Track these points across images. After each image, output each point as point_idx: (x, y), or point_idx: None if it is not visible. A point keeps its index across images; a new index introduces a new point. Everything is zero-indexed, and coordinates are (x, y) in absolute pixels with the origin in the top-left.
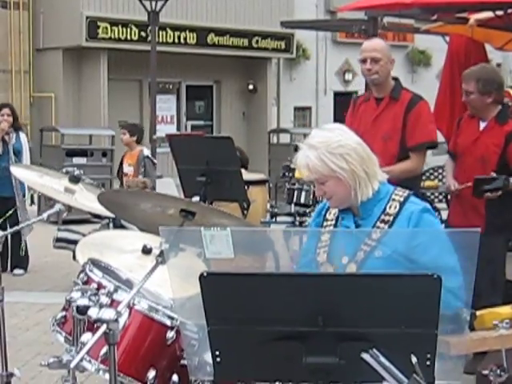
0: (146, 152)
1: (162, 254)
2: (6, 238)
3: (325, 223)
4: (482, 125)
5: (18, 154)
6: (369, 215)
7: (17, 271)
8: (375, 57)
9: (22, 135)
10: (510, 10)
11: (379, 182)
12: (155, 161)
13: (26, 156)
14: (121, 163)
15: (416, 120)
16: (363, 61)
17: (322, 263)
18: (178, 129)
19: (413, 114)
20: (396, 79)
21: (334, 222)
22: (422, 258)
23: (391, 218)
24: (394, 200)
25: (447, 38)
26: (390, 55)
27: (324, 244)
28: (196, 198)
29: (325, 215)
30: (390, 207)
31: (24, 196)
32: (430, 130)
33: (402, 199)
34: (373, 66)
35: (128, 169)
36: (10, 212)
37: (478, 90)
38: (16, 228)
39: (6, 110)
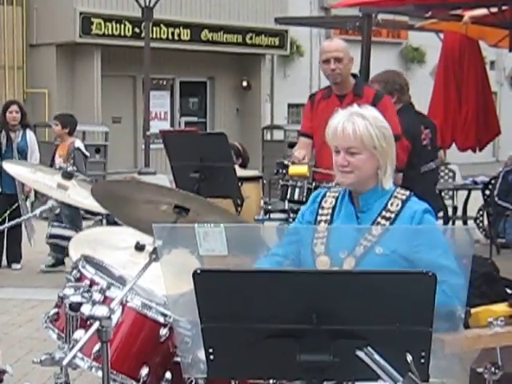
0: (78, 144)
1: (155, 250)
2: (2, 233)
3: (320, 211)
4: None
5: (22, 152)
6: (369, 209)
7: (14, 266)
8: (338, 56)
9: (30, 133)
10: (504, 7)
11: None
12: (87, 153)
13: (35, 155)
14: (53, 155)
15: (383, 114)
16: (326, 61)
17: (318, 254)
18: (172, 125)
19: (379, 108)
20: (356, 76)
21: (330, 211)
22: (423, 258)
23: (393, 215)
24: (395, 197)
25: (441, 35)
26: (351, 54)
27: (322, 235)
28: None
29: (320, 202)
30: (392, 204)
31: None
32: (396, 124)
33: (404, 197)
34: (337, 65)
35: (58, 160)
36: (14, 207)
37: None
38: (11, 223)
39: (15, 107)
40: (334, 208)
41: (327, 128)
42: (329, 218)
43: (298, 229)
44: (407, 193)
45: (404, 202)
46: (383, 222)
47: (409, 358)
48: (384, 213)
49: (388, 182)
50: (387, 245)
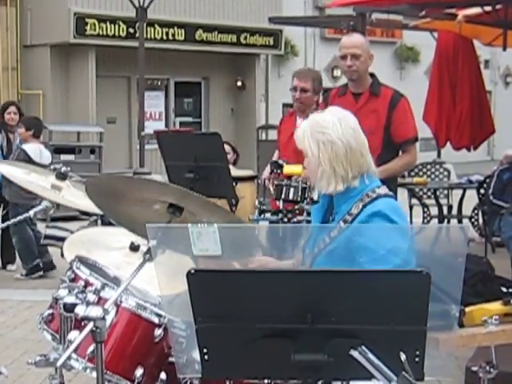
0: (27, 147)
1: (149, 251)
2: None
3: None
4: (299, 121)
5: None
6: (338, 211)
7: (9, 267)
8: (355, 53)
9: None
10: (498, 6)
11: (351, 185)
12: (33, 158)
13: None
14: None
15: (402, 117)
16: (343, 57)
17: (298, 251)
18: (167, 125)
19: (397, 110)
20: (372, 75)
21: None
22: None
23: (350, 218)
24: (361, 200)
25: (435, 35)
26: (369, 51)
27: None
28: None
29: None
30: (355, 207)
31: None
32: (414, 126)
33: (367, 200)
34: (353, 62)
35: None
36: (7, 209)
37: (314, 89)
38: (7, 223)
39: (13, 108)
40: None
41: None
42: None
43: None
44: (374, 195)
45: (365, 205)
46: (342, 224)
47: (403, 357)
48: (346, 216)
49: (330, 186)
50: (334, 246)
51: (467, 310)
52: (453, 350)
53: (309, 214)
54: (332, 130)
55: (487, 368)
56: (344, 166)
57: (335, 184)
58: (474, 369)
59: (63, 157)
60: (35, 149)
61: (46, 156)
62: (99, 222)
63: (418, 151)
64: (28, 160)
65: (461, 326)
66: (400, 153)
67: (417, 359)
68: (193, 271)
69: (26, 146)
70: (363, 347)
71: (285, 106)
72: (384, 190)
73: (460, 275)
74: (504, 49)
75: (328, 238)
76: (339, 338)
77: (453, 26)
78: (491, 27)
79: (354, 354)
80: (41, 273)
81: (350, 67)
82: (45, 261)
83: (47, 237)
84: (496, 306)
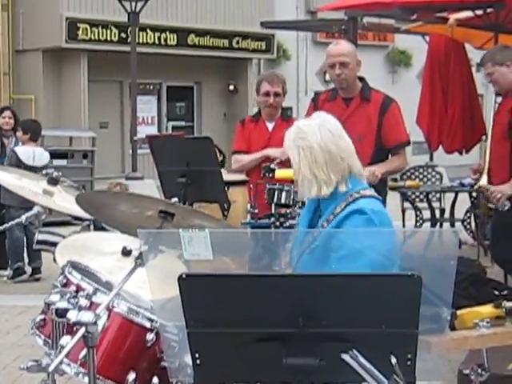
0: (19, 150)
1: (140, 256)
2: None
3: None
4: (270, 125)
5: None
6: (324, 213)
7: (1, 272)
8: (343, 61)
9: None
10: (489, 10)
11: (338, 189)
12: (24, 160)
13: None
14: None
15: (393, 121)
16: (331, 66)
17: (286, 254)
18: (159, 130)
19: (388, 115)
20: (362, 79)
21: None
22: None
23: (332, 217)
24: (345, 200)
25: (427, 38)
26: (357, 57)
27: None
28: (174, 199)
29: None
30: (338, 207)
31: None
32: (405, 130)
33: (350, 199)
34: (342, 70)
35: None
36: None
37: (284, 93)
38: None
39: (8, 113)
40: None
41: None
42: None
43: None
44: (358, 195)
45: (347, 205)
46: (325, 224)
47: (393, 360)
48: (330, 216)
49: (312, 191)
50: (315, 246)
51: (459, 312)
52: (444, 352)
53: None
54: (311, 135)
55: (479, 371)
56: (325, 171)
57: (317, 189)
58: (466, 372)
59: (55, 162)
60: (27, 151)
61: (40, 158)
62: (91, 226)
63: (410, 155)
64: (19, 162)
65: (452, 328)
66: (390, 156)
67: (408, 362)
68: (184, 276)
69: (17, 149)
70: (354, 351)
71: None
72: (370, 192)
73: (451, 278)
74: None
75: (311, 237)
76: (330, 341)
77: (444, 29)
78: (482, 31)
79: (345, 357)
80: (24, 277)
81: (339, 76)
82: (34, 266)
83: (39, 242)
84: (487, 309)
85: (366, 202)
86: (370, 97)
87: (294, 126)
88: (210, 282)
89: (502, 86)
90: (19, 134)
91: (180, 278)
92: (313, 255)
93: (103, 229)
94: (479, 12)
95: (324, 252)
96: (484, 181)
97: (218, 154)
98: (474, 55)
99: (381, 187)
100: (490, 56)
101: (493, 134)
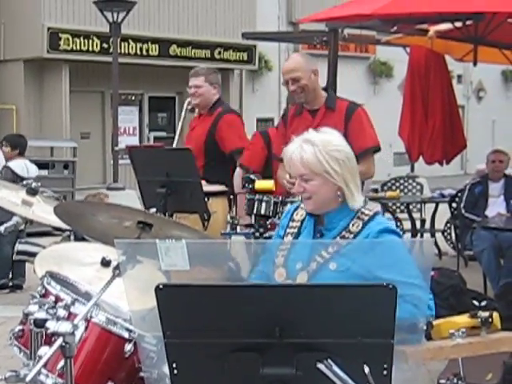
0: (13, 164)
1: (118, 266)
2: None
3: (291, 223)
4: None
5: None
6: (333, 227)
7: None
8: (294, 77)
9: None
10: (468, 22)
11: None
12: (19, 173)
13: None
14: None
15: (358, 127)
16: (286, 83)
17: (277, 266)
18: (141, 140)
19: (353, 121)
20: (326, 89)
21: (299, 224)
22: (382, 278)
23: (351, 236)
24: (359, 218)
25: (408, 50)
26: (312, 67)
27: (284, 247)
28: (153, 210)
29: (292, 215)
30: (353, 225)
31: None
32: (372, 135)
33: (366, 218)
34: (296, 86)
35: None
36: None
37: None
38: None
39: None
40: (303, 221)
41: (283, 156)
42: (296, 230)
43: (267, 244)
44: (371, 213)
45: (365, 223)
46: (341, 241)
47: (366, 369)
48: (344, 233)
49: (354, 201)
50: (341, 262)
51: (435, 322)
52: (421, 362)
53: None
54: (343, 145)
55: (455, 380)
56: (357, 178)
57: (355, 196)
58: (443, 381)
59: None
60: (20, 165)
61: (32, 170)
62: (72, 237)
63: (391, 166)
64: (16, 177)
65: (429, 338)
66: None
67: (385, 372)
68: (161, 286)
69: (11, 164)
70: (329, 360)
71: (259, 120)
72: (369, 206)
73: (427, 288)
74: (474, 64)
75: (326, 254)
76: (307, 351)
77: (424, 41)
78: (462, 43)
79: (321, 366)
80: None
81: (294, 91)
82: (16, 283)
83: (19, 252)
84: (463, 319)
85: (384, 219)
86: (336, 106)
87: (318, 141)
88: (187, 292)
89: None
90: (7, 149)
91: (157, 289)
92: (339, 275)
93: (84, 239)
94: (458, 24)
95: (354, 276)
96: None
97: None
98: (455, 67)
99: None
100: None
101: None
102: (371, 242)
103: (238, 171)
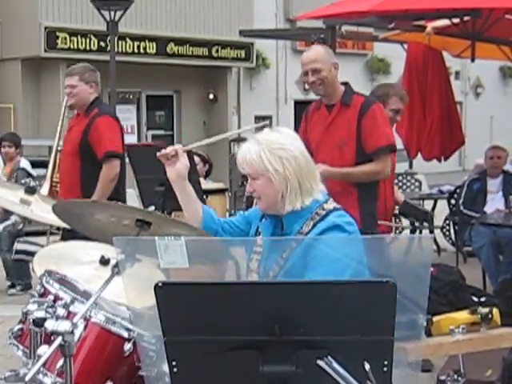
0: (23, 164)
1: (118, 264)
2: None
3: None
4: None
5: None
6: (290, 231)
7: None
8: (315, 68)
9: None
10: (466, 18)
11: (314, 199)
12: (33, 173)
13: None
14: None
15: (371, 124)
16: (305, 74)
17: (251, 270)
18: (139, 139)
19: (367, 118)
20: (346, 83)
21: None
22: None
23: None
24: (311, 219)
25: (406, 46)
26: (333, 59)
27: (259, 251)
28: (152, 208)
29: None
30: (306, 226)
31: None
32: (387, 133)
33: (318, 217)
34: (316, 77)
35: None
36: None
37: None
38: None
39: None
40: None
41: None
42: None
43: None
44: (324, 212)
45: (316, 223)
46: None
47: (366, 366)
48: (297, 235)
49: (297, 202)
50: (289, 261)
51: (435, 319)
52: (420, 358)
53: None
54: (290, 144)
55: (455, 376)
56: (307, 179)
57: (302, 198)
58: (442, 378)
59: (34, 171)
60: (28, 164)
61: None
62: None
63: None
64: (29, 176)
65: (429, 335)
66: None
67: (385, 369)
68: (160, 284)
69: (23, 164)
70: (329, 357)
71: (257, 118)
72: (332, 204)
73: (426, 284)
74: (472, 60)
75: (281, 260)
76: (307, 349)
77: (422, 37)
78: (460, 39)
79: (321, 363)
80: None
81: (314, 83)
82: (26, 282)
83: (18, 251)
84: (463, 315)
85: (337, 215)
86: (351, 101)
87: (262, 140)
88: (187, 290)
89: None
90: (11, 149)
91: (156, 287)
92: (289, 276)
93: (84, 238)
94: (456, 20)
95: (302, 270)
96: None
97: (202, 165)
98: (452, 63)
99: (372, 189)
100: None
101: None
102: (310, 239)
103: None
